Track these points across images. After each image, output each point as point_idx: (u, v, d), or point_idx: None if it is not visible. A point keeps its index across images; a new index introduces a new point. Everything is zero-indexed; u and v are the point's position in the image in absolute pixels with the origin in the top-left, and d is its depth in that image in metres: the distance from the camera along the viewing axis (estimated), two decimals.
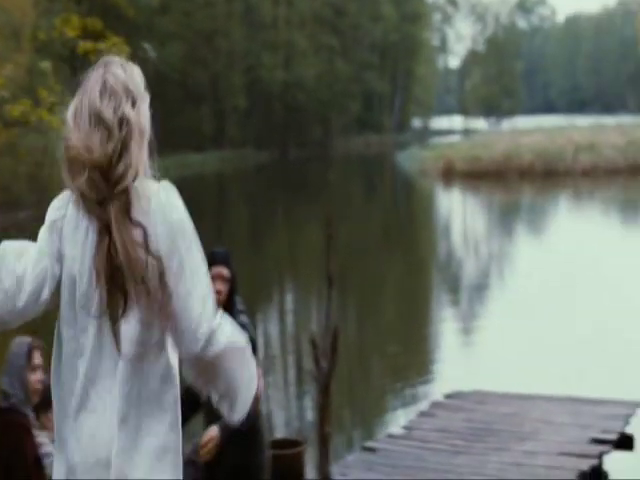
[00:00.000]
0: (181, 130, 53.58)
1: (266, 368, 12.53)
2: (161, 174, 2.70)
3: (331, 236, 7.41)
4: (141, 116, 2.72)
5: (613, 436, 7.78)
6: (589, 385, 11.04)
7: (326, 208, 7.35)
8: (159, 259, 2.60)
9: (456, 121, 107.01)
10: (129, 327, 2.62)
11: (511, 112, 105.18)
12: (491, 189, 39.69)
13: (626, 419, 8.19)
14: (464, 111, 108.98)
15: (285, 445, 6.69)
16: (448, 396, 9.25)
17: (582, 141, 41.94)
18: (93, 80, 2.71)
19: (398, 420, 9.64)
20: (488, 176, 40.74)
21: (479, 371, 12.08)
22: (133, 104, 2.70)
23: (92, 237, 2.63)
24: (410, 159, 50.98)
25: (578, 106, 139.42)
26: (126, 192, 2.61)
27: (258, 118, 68.91)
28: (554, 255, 22.41)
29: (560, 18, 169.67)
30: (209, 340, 2.63)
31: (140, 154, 2.68)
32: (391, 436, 8.20)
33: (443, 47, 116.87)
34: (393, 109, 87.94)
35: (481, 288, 19.51)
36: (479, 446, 7.68)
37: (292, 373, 13.00)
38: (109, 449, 2.65)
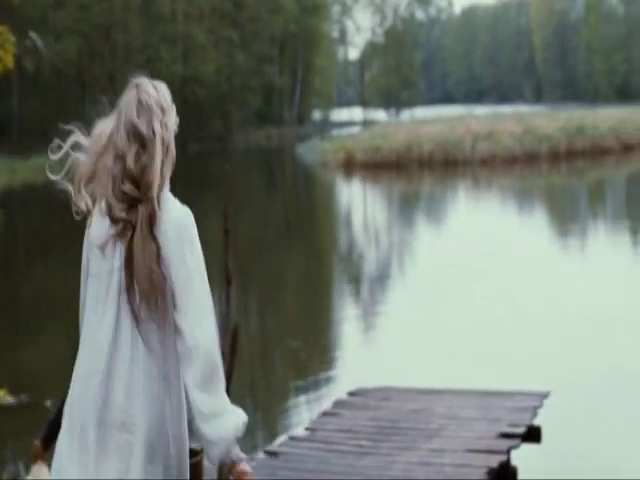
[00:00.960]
0: (79, 125, 52.35)
1: None
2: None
3: (228, 231, 7.02)
4: (168, 131, 3.18)
5: (521, 430, 7.56)
6: (494, 374, 10.90)
7: (224, 202, 6.94)
8: (167, 273, 3.07)
9: (356, 113, 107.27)
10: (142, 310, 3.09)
11: (410, 103, 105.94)
12: (391, 179, 39.71)
13: (534, 411, 7.99)
14: (364, 103, 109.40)
15: None
16: (352, 394, 8.93)
17: (480, 130, 42.22)
18: (128, 100, 3.12)
19: (302, 419, 9.33)
20: (388, 166, 40.74)
21: (383, 364, 11.85)
22: (162, 120, 3.15)
23: (113, 232, 3.09)
24: (311, 151, 50.78)
25: (476, 96, 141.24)
26: (152, 201, 3.07)
27: None
28: (453, 244, 22.42)
29: (457, 9, 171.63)
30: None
31: (166, 166, 3.17)
32: (294, 439, 7.84)
33: (342, 39, 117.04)
34: (293, 102, 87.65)
35: (382, 278, 19.35)
36: (385, 446, 7.38)
37: None
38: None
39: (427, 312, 15.01)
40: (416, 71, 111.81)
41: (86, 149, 3.22)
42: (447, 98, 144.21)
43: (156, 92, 3.20)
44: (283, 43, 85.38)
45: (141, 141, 3.09)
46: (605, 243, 21.84)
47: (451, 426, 7.75)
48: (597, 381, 10.99)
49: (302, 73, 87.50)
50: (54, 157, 3.29)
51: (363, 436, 7.60)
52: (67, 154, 3.27)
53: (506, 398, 8.39)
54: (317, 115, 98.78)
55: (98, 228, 3.16)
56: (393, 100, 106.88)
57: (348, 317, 15.04)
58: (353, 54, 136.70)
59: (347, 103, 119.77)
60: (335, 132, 72.18)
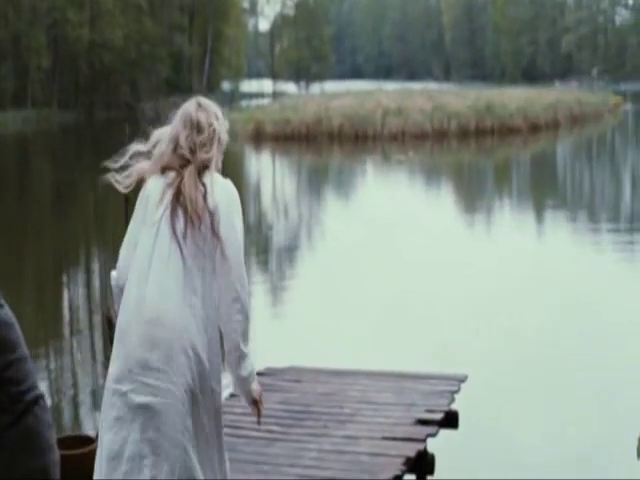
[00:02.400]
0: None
1: (56, 350, 11.44)
2: None
3: (128, 199, 6.42)
4: (222, 128, 4.05)
5: (439, 416, 7.15)
6: (405, 355, 10.54)
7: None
8: (213, 210, 3.86)
9: (266, 85, 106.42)
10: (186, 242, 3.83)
11: (320, 76, 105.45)
12: (301, 152, 39.24)
13: (451, 396, 7.59)
14: (274, 75, 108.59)
15: (74, 443, 5.73)
16: (260, 374, 8.38)
17: (390, 105, 41.94)
18: (187, 105, 4.08)
19: None
20: (298, 139, 40.25)
21: (291, 342, 11.40)
22: (217, 119, 4.05)
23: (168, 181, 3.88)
24: None
25: (385, 72, 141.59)
26: (202, 165, 3.92)
27: (63, 78, 66.22)
28: (362, 219, 22.14)
29: None
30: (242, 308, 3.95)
31: (218, 153, 4.03)
32: None
33: (253, 10, 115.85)
34: (203, 71, 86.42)
35: (291, 251, 18.94)
36: (296, 432, 6.90)
37: (85, 356, 11.72)
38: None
39: (336, 288, 14.60)
40: (326, 45, 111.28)
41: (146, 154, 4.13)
42: (357, 73, 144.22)
43: (210, 101, 4.14)
44: (193, 12, 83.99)
45: (197, 127, 3.98)
46: (510, 220, 21.83)
47: (366, 411, 7.30)
48: (509, 361, 10.72)
49: (212, 43, 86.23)
50: (115, 165, 4.14)
51: (273, 421, 7.09)
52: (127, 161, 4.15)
53: (422, 381, 7.97)
54: (227, 86, 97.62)
55: (154, 184, 3.97)
56: (303, 73, 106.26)
57: (256, 291, 14.53)
58: (264, 25, 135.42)
59: (257, 75, 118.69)
60: (245, 103, 71.26)
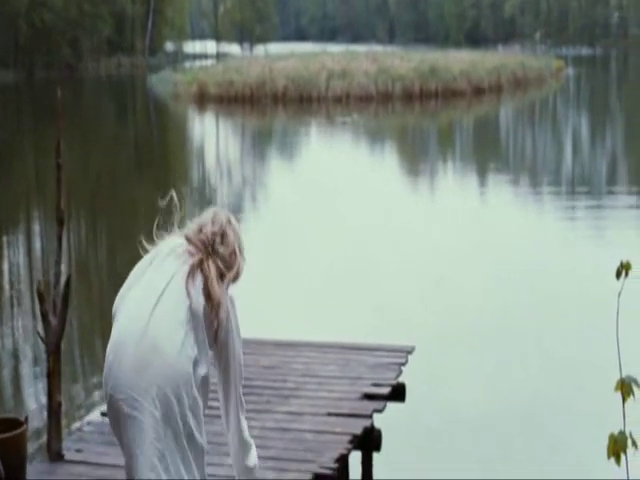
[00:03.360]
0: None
1: None
2: None
3: (60, 166, 6.00)
4: (241, 261, 4.24)
5: (386, 390, 6.85)
6: (350, 320, 10.25)
7: (57, 134, 5.91)
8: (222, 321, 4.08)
9: (210, 46, 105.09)
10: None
11: (264, 38, 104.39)
12: (245, 114, 38.67)
13: (398, 369, 7.28)
14: (218, 36, 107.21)
15: (1, 426, 5.34)
16: None
17: (335, 68, 41.48)
18: (222, 212, 4.36)
19: None
20: (242, 101, 39.66)
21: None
22: (239, 250, 4.23)
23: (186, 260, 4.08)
24: (162, 82, 49.13)
25: (329, 35, 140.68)
26: (222, 258, 4.13)
27: (2, 37, 64.64)
28: (305, 181, 21.84)
29: None
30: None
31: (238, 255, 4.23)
32: None
33: None
34: (146, 31, 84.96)
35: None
36: None
37: (14, 330, 11.21)
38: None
39: (279, 253, 14.24)
40: (270, 6, 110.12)
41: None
42: (301, 35, 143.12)
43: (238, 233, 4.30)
44: None
45: (222, 236, 4.18)
46: (453, 183, 21.68)
47: (310, 385, 6.98)
48: (455, 327, 10.48)
49: (154, 2, 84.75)
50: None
51: (213, 396, 6.72)
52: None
53: (368, 353, 7.66)
54: (170, 46, 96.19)
55: (172, 238, 4.31)
56: (247, 35, 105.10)
57: None
58: None
59: (201, 36, 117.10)
60: (188, 64, 70.22)
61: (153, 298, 3.96)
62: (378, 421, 6.76)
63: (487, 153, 27.98)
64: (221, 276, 4.08)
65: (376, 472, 6.88)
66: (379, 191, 19.79)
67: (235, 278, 4.16)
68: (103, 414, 6.70)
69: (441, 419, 8.09)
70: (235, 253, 4.16)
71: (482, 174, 23.30)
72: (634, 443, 3.02)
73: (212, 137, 33.62)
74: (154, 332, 3.87)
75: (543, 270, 13.00)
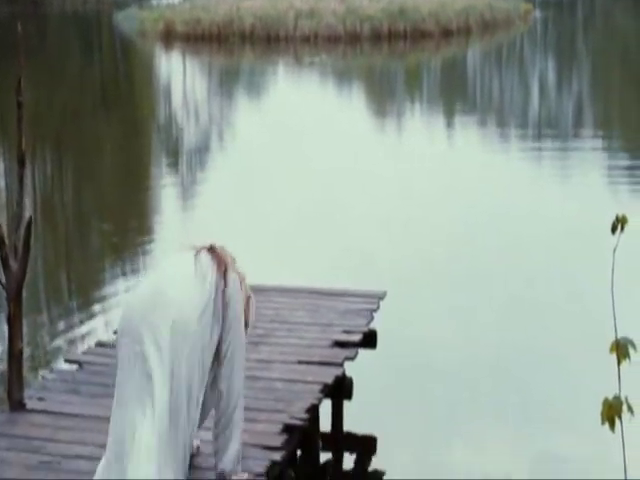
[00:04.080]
0: None
1: None
2: None
3: (21, 104, 5.68)
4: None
5: (357, 337, 6.65)
6: (319, 264, 10.04)
7: (18, 71, 5.58)
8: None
9: None
10: None
11: None
12: (212, 53, 38.01)
13: (370, 315, 7.08)
14: None
15: None
16: None
17: (303, 7, 40.79)
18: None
19: (112, 321, 8.18)
20: (209, 39, 38.94)
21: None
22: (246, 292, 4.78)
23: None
24: (129, 20, 48.16)
25: None
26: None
27: None
28: (273, 121, 21.49)
29: None
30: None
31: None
32: (101, 345, 6.65)
33: None
34: None
35: (201, 153, 18.26)
36: None
37: None
38: None
39: (246, 195, 13.93)
40: None
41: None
42: None
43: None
44: None
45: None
46: (421, 125, 21.45)
47: (279, 332, 6.76)
48: (425, 271, 10.30)
49: None
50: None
51: None
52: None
53: (339, 299, 7.44)
54: None
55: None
56: None
57: (164, 196, 13.85)
58: None
59: None
60: (155, 2, 68.92)
61: (165, 271, 4.51)
62: (349, 368, 6.57)
63: (454, 95, 27.68)
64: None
65: (346, 421, 6.71)
66: (346, 132, 19.48)
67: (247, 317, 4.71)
68: (67, 361, 6.46)
69: (412, 365, 7.91)
70: (249, 294, 4.73)
71: (449, 116, 23.03)
72: (630, 408, 2.82)
73: (179, 75, 33.01)
74: (165, 285, 4.31)
75: (510, 212, 12.85)
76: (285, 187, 14.25)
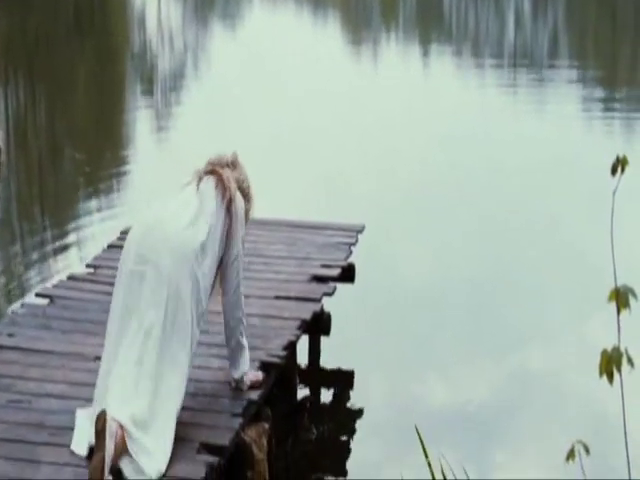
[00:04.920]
0: None
1: None
2: None
3: None
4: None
5: (335, 272, 6.43)
6: (295, 194, 9.79)
7: None
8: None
9: None
10: None
11: None
12: None
13: (348, 249, 6.85)
14: None
15: None
16: None
17: None
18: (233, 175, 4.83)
19: (84, 254, 7.91)
20: None
21: (174, 181, 10.46)
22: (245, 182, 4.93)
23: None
24: None
25: None
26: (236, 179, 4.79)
27: None
28: (248, 48, 21.07)
29: None
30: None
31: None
32: (72, 278, 6.39)
33: None
34: None
35: (176, 79, 17.88)
36: None
37: None
38: None
39: (221, 123, 13.57)
40: None
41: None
42: None
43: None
44: None
45: (232, 163, 4.89)
46: (396, 53, 21.12)
47: (256, 266, 6.51)
48: (404, 206, 10.07)
49: None
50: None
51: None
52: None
53: (317, 232, 7.20)
54: None
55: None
56: None
57: (139, 119, 13.49)
58: None
59: None
60: None
61: (166, 203, 4.57)
62: (327, 303, 6.36)
63: (431, 25, 27.23)
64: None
65: (324, 357, 6.54)
66: (322, 61, 19.11)
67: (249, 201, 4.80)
68: (38, 295, 6.21)
69: (390, 299, 7.72)
70: (248, 181, 4.83)
71: (425, 45, 22.64)
72: (630, 360, 2.61)
73: (153, 3, 32.27)
74: (163, 214, 4.45)
75: (486, 140, 12.70)
76: (261, 116, 13.89)
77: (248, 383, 4.79)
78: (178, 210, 4.46)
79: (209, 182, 4.61)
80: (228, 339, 4.76)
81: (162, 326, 4.26)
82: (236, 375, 4.77)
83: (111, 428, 3.95)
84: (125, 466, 4.04)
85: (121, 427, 4.02)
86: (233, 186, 4.64)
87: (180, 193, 4.60)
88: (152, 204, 4.60)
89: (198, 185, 4.58)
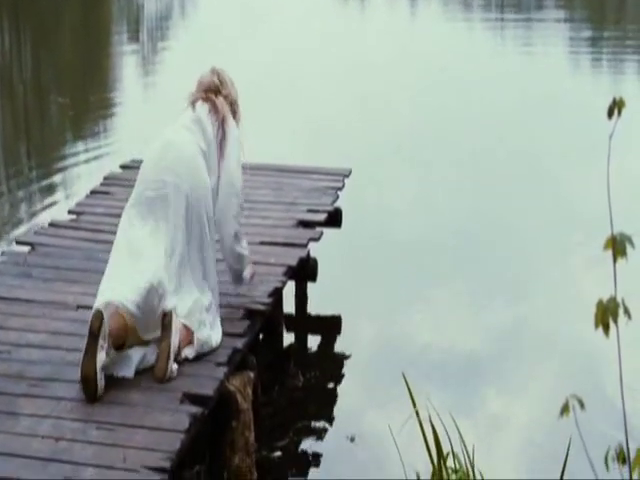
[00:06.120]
0: None
1: None
2: None
3: None
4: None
5: (322, 217, 6.25)
6: (280, 138, 9.60)
7: None
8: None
9: None
10: None
11: None
12: None
13: (335, 193, 6.66)
14: None
15: None
16: (125, 167, 7.29)
17: None
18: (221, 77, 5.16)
19: (65, 200, 7.72)
20: None
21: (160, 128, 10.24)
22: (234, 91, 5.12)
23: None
24: None
25: None
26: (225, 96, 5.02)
27: None
28: None
29: None
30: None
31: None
32: (54, 225, 6.19)
33: None
34: None
35: (163, 23, 17.56)
36: None
37: None
38: None
39: (210, 64, 13.27)
40: None
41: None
42: None
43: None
44: None
45: (219, 78, 5.12)
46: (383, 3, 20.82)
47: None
48: (391, 150, 9.87)
49: None
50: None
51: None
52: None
53: (303, 176, 7.01)
54: None
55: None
56: None
57: (125, 64, 13.20)
58: None
59: None
60: None
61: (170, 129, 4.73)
62: (313, 248, 6.20)
63: None
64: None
65: (310, 303, 6.39)
66: (311, 6, 18.80)
67: (235, 110, 4.97)
68: (19, 243, 6.03)
69: (377, 244, 7.56)
70: (234, 87, 5.04)
71: None
72: (626, 311, 2.46)
73: None
74: (171, 138, 4.65)
75: (475, 82, 12.49)
76: (248, 59, 13.60)
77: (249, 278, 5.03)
78: (182, 132, 4.67)
79: (203, 108, 4.80)
80: (225, 256, 4.89)
81: (186, 241, 4.52)
82: (241, 250, 4.91)
83: (176, 324, 4.29)
84: (189, 352, 4.40)
85: (185, 326, 4.37)
86: (226, 109, 4.84)
87: (179, 118, 4.79)
88: (155, 137, 4.70)
89: (194, 110, 4.78)
